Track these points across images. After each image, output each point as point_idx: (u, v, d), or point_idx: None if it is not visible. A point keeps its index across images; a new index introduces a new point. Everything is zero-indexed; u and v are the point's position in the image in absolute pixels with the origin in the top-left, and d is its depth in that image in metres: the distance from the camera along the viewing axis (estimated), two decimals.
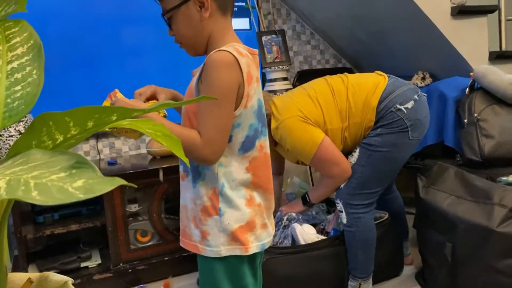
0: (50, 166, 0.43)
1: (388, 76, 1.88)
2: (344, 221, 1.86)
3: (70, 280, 0.63)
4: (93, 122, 0.50)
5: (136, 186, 0.43)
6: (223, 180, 1.07)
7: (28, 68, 0.60)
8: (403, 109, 1.77)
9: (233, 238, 1.07)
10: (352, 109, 1.80)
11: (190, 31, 1.07)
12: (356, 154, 1.84)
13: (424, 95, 1.93)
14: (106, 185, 0.39)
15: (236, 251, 1.08)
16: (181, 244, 1.17)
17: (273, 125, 1.83)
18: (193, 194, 1.11)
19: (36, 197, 0.38)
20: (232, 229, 1.07)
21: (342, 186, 1.86)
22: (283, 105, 1.83)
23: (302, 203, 1.99)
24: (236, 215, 1.07)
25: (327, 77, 1.92)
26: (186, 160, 0.63)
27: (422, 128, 1.83)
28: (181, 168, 1.17)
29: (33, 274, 0.63)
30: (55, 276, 0.67)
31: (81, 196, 0.38)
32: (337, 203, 1.88)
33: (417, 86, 2.51)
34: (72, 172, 0.42)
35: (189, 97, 1.09)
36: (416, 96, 1.81)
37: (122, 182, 0.39)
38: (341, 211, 1.86)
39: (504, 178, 1.10)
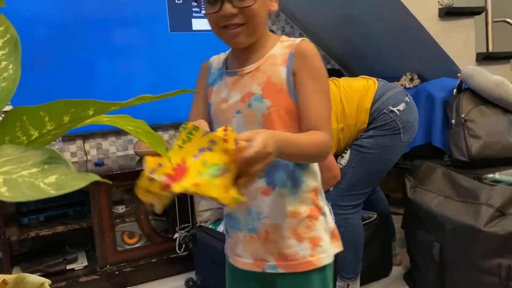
0: (21, 162, 0.41)
1: (377, 79, 1.89)
2: None
3: (47, 282, 0.61)
4: (69, 117, 0.48)
5: (111, 183, 0.42)
6: (318, 176, 1.00)
7: (4, 63, 0.58)
8: (396, 110, 1.78)
9: (333, 235, 1.02)
10: (346, 111, 1.80)
11: (264, 15, 0.95)
12: (346, 155, 1.84)
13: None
14: (80, 181, 0.38)
15: (336, 249, 1.02)
16: (281, 270, 0.97)
17: None
18: (293, 205, 0.96)
19: (5, 193, 0.36)
20: (332, 225, 1.02)
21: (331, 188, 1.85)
22: None
23: None
24: (329, 210, 1.02)
25: None
26: (169, 158, 0.60)
27: (412, 130, 1.84)
28: (262, 182, 0.96)
29: (8, 275, 0.61)
30: (31, 278, 0.65)
31: (53, 193, 0.37)
32: None
33: (405, 87, 2.52)
34: (45, 167, 0.41)
35: (277, 94, 0.94)
36: (406, 98, 1.83)
37: (96, 178, 0.37)
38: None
39: (490, 176, 1.10)
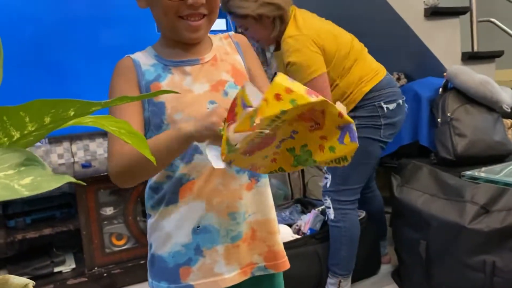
0: None
1: (386, 72, 1.91)
2: (332, 216, 1.87)
3: (31, 283, 0.61)
4: (50, 117, 0.48)
5: (85, 184, 0.42)
6: None
7: None
8: (385, 108, 1.80)
9: None
10: (349, 75, 1.80)
11: None
12: None
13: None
14: (54, 182, 0.38)
15: None
16: (272, 271, 0.93)
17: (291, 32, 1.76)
18: (271, 198, 0.96)
19: None
20: None
21: (328, 184, 1.86)
22: (306, 22, 1.82)
23: None
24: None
25: (353, 36, 1.93)
26: (152, 158, 0.58)
27: (393, 130, 1.86)
28: (245, 177, 0.91)
29: None
30: (16, 279, 0.64)
31: (26, 193, 0.37)
32: (325, 200, 1.90)
33: None
34: (21, 169, 0.41)
35: (245, 80, 0.97)
36: (400, 101, 1.86)
37: (71, 179, 0.38)
38: (329, 207, 1.89)
39: (468, 173, 1.11)
